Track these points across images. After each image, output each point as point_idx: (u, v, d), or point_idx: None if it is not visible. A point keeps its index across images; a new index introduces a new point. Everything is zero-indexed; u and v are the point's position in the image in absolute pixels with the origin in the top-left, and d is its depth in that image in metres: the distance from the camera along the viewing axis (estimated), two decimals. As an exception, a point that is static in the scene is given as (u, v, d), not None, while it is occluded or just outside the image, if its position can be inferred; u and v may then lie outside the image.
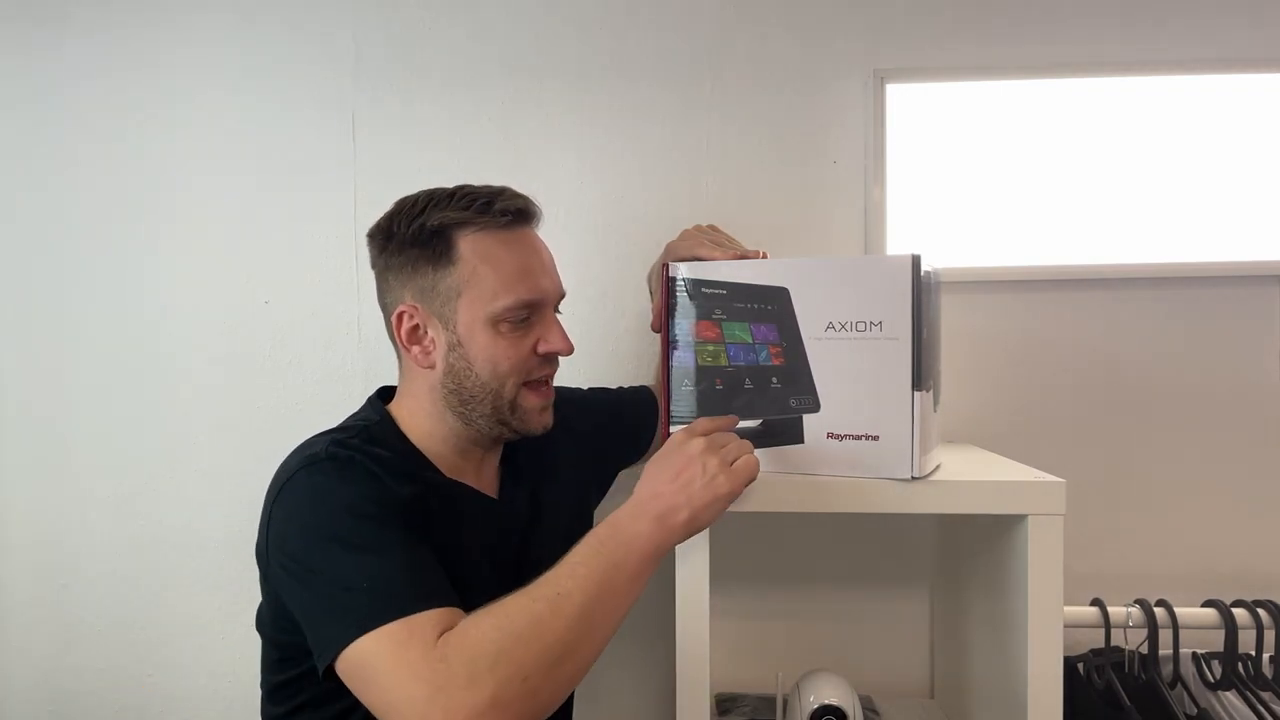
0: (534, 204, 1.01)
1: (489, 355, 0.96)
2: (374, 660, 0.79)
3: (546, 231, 1.00)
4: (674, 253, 1.07)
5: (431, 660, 0.77)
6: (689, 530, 0.85)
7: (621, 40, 1.38)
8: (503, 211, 0.96)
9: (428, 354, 0.98)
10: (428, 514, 0.92)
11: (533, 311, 0.98)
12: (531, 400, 1.00)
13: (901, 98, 1.34)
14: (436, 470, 0.99)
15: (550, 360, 1.01)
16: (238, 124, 1.40)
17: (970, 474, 0.99)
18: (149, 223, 1.42)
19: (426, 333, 0.98)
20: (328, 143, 1.40)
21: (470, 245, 0.95)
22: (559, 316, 1.02)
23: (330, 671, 0.83)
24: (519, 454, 1.08)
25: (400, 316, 0.98)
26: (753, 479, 0.88)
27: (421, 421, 1.00)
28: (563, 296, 1.03)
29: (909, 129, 1.35)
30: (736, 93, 1.37)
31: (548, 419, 1.02)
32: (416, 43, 1.39)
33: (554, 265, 1.03)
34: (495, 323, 0.96)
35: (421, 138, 1.39)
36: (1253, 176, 1.31)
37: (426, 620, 0.80)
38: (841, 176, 1.36)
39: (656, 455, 0.89)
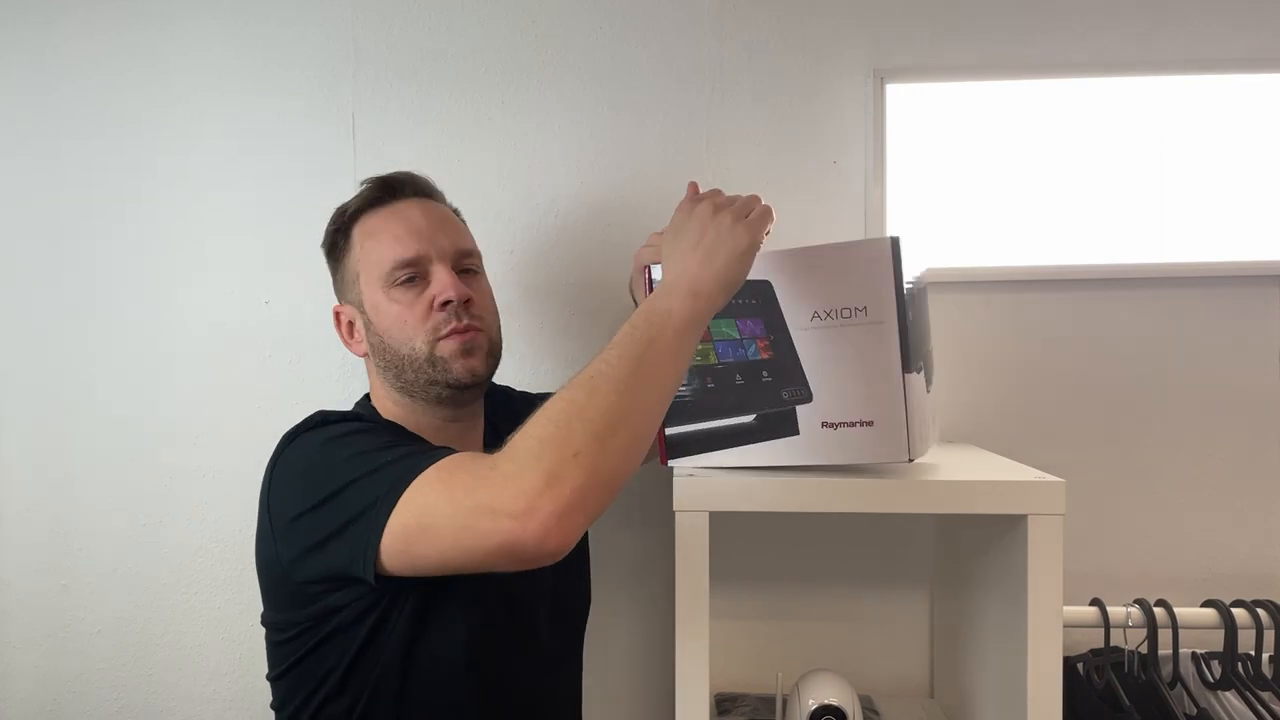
0: (406, 176, 1.05)
1: (392, 321, 1.00)
2: (426, 506, 0.78)
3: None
4: (643, 260, 1.07)
5: (482, 472, 0.77)
6: (727, 292, 0.85)
7: (621, 41, 1.38)
8: (372, 186, 1.03)
9: (360, 343, 1.04)
10: None
11: (417, 269, 1.00)
12: (448, 346, 0.99)
13: (901, 98, 1.34)
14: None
15: (454, 312, 1.00)
16: (237, 124, 1.40)
17: (970, 474, 0.99)
18: (148, 222, 1.41)
19: (354, 323, 1.04)
20: (328, 143, 1.40)
21: (360, 230, 1.03)
22: (485, 276, 1.07)
23: (379, 576, 0.81)
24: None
25: (337, 318, 1.06)
26: (770, 222, 0.88)
27: (390, 409, 1.04)
28: (463, 253, 1.04)
29: (909, 129, 1.35)
30: (736, 93, 1.37)
31: (473, 363, 1.00)
32: (416, 43, 1.39)
33: (448, 226, 1.04)
34: (387, 289, 1.00)
35: (421, 138, 1.39)
36: (1253, 176, 1.31)
37: (463, 456, 0.81)
38: (841, 176, 1.36)
39: (668, 232, 0.89)
